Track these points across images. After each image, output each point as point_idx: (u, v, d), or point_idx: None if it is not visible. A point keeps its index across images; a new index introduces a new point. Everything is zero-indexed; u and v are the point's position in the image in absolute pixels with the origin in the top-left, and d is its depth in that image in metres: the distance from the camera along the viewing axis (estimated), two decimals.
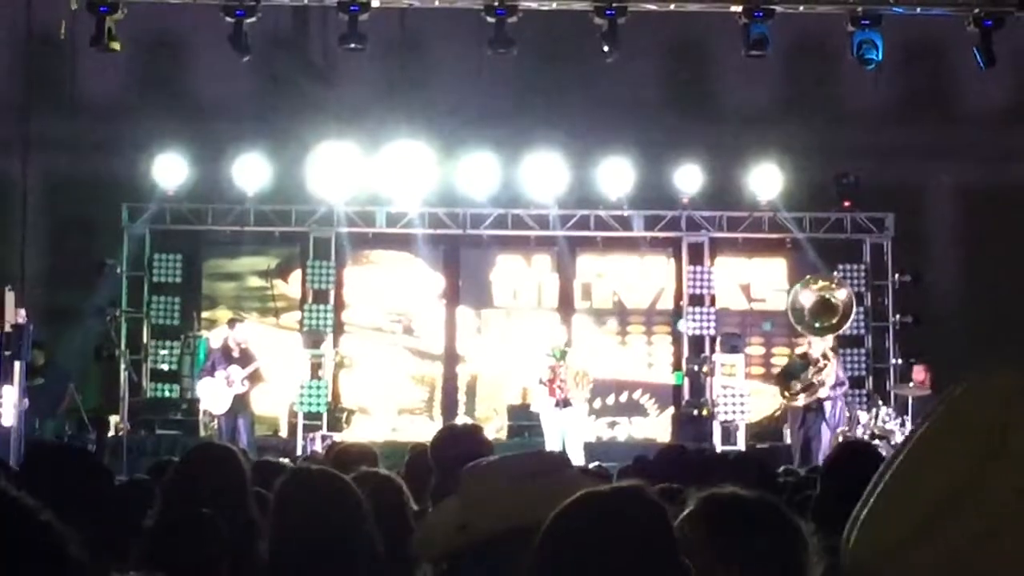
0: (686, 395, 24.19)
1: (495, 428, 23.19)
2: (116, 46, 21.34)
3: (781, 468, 15.01)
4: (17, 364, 21.81)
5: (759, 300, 24.77)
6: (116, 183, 23.51)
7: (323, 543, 4.94)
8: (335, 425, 22.88)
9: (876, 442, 18.74)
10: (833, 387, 21.40)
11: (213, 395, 21.93)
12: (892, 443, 20.35)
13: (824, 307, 22.47)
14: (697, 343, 24.20)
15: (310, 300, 23.98)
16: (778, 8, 21.98)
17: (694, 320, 24.14)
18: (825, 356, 21.36)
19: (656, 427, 24.31)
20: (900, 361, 23.46)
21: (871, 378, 23.80)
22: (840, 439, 20.42)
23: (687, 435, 22.54)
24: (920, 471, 1.80)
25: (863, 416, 21.82)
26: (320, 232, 24.01)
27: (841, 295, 22.57)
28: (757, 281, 24.79)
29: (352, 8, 21.62)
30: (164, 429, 22.48)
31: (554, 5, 22.14)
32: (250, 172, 23.34)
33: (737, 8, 21.97)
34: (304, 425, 22.96)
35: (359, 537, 5.06)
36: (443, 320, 24.60)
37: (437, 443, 8.15)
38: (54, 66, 23.96)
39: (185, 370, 23.57)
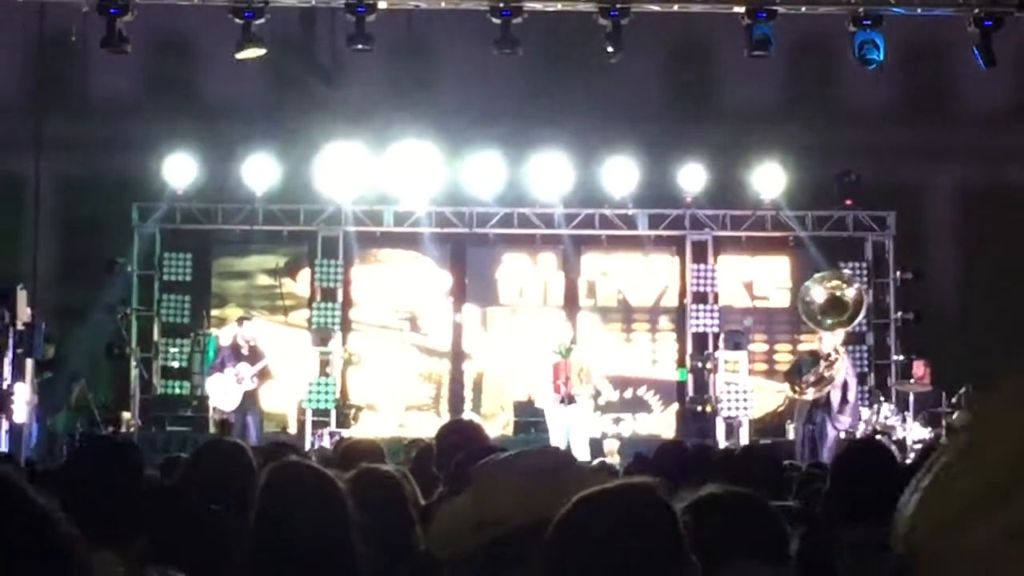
0: (690, 391, 24.18)
1: (501, 424, 23.21)
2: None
3: (785, 463, 15.01)
4: (29, 361, 21.85)
5: (762, 298, 24.75)
6: (127, 183, 23.52)
7: (303, 536, 4.91)
8: (343, 422, 22.88)
9: (878, 437, 18.66)
10: (844, 384, 21.32)
11: (223, 392, 21.94)
12: (894, 438, 20.35)
13: (835, 303, 22.41)
14: (701, 340, 24.18)
15: (318, 298, 23.99)
16: (780, 9, 21.98)
17: (696, 317, 24.13)
18: (836, 351, 21.30)
19: (660, 423, 24.30)
20: (901, 357, 23.45)
21: (873, 374, 23.78)
22: (842, 435, 20.42)
23: (691, 431, 22.55)
24: (967, 460, 1.77)
25: (865, 412, 21.81)
26: (328, 231, 24.00)
27: (852, 292, 22.50)
28: (760, 279, 24.79)
29: (359, 9, 21.63)
30: (174, 426, 22.48)
31: (559, 6, 22.13)
32: (259, 172, 23.35)
33: (740, 9, 21.97)
34: (313, 422, 22.98)
35: (339, 531, 5.02)
36: (450, 318, 24.59)
37: (439, 439, 8.16)
38: (66, 67, 23.98)
39: (195, 367, 23.56)
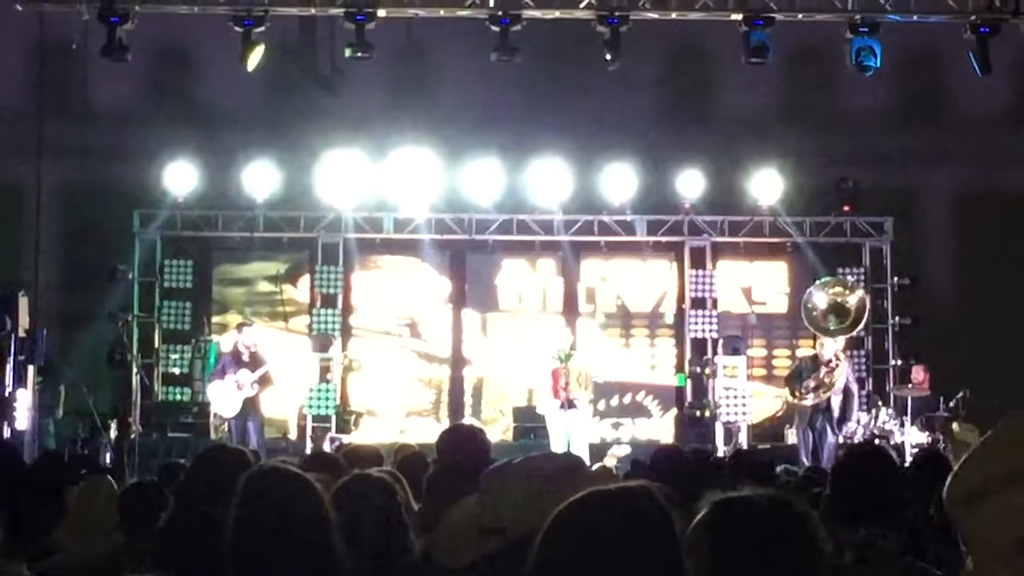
0: (689, 396, 24.19)
1: (501, 429, 23.21)
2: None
3: (780, 467, 15.01)
4: (31, 368, 21.87)
5: (760, 303, 24.75)
6: (128, 190, 23.53)
7: (280, 537, 4.92)
8: (344, 427, 22.89)
9: (877, 441, 18.68)
10: (846, 390, 21.35)
11: (223, 398, 21.91)
12: (893, 443, 20.36)
13: (837, 309, 22.43)
14: (700, 345, 24.19)
15: (319, 304, 23.99)
16: (778, 16, 21.99)
17: (695, 323, 24.14)
18: (837, 357, 21.33)
19: (659, 428, 24.31)
20: (899, 362, 23.47)
21: (871, 379, 23.78)
22: (842, 439, 20.45)
23: (690, 436, 22.57)
24: (995, 446, 1.86)
25: (863, 417, 21.84)
26: (328, 238, 24.02)
27: (854, 299, 22.52)
28: (758, 285, 24.79)
29: (359, 17, 21.64)
30: (175, 432, 22.47)
31: (557, 14, 22.13)
32: (259, 179, 23.36)
33: (737, 16, 21.98)
34: (313, 427, 22.98)
35: (319, 532, 5.03)
36: (450, 324, 24.59)
37: (440, 443, 8.16)
38: (66, 75, 24.00)
39: (196, 374, 23.58)
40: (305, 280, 24.50)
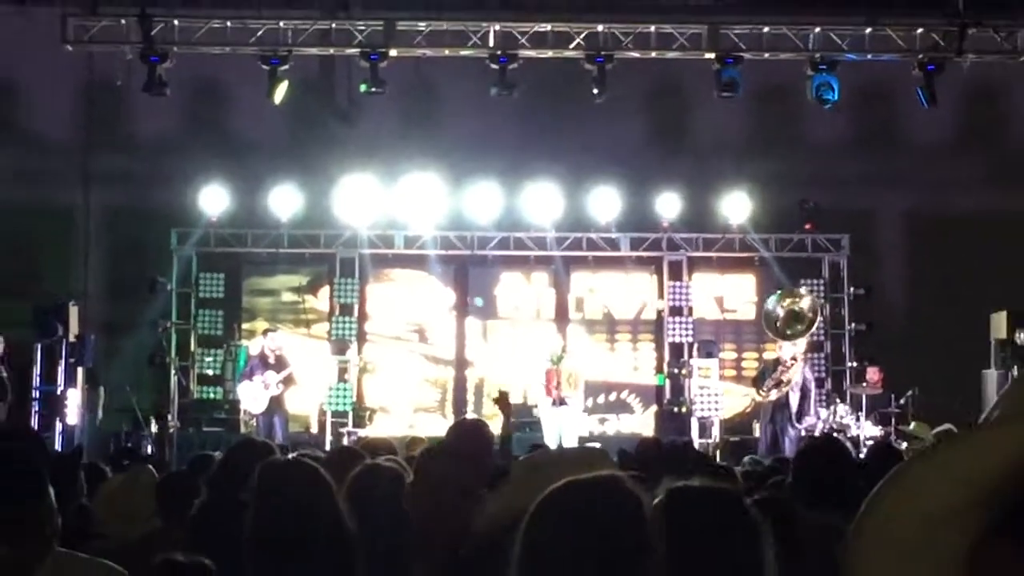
0: (667, 394, 24.16)
1: (499, 425, 23.12)
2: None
3: (747, 458, 15.00)
4: (80, 370, 21.89)
5: (731, 311, 24.73)
6: (166, 211, 23.51)
7: (294, 522, 4.91)
8: (359, 422, 22.86)
9: (835, 435, 18.66)
10: (803, 388, 21.43)
11: (252, 397, 21.92)
12: (849, 436, 20.37)
13: (794, 316, 22.49)
14: (677, 349, 24.17)
15: (337, 313, 23.96)
16: (746, 55, 22.09)
17: (673, 328, 24.12)
18: (794, 358, 21.45)
19: (641, 423, 24.26)
20: (855, 364, 23.41)
21: (830, 379, 23.74)
22: (803, 434, 20.45)
23: (668, 430, 22.52)
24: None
25: (823, 412, 21.85)
26: (346, 253, 23.99)
27: (806, 304, 22.56)
28: (730, 294, 24.75)
29: (372, 57, 21.74)
30: (209, 427, 22.47)
31: (550, 53, 22.20)
32: (284, 201, 23.33)
33: (710, 55, 22.08)
34: (332, 423, 22.96)
35: (326, 517, 5.02)
36: (454, 330, 24.57)
37: (450, 435, 8.16)
38: (112, 109, 24.01)
39: (227, 375, 23.54)
40: (325, 291, 24.46)
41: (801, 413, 21.21)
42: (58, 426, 21.36)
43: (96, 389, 22.53)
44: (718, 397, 23.16)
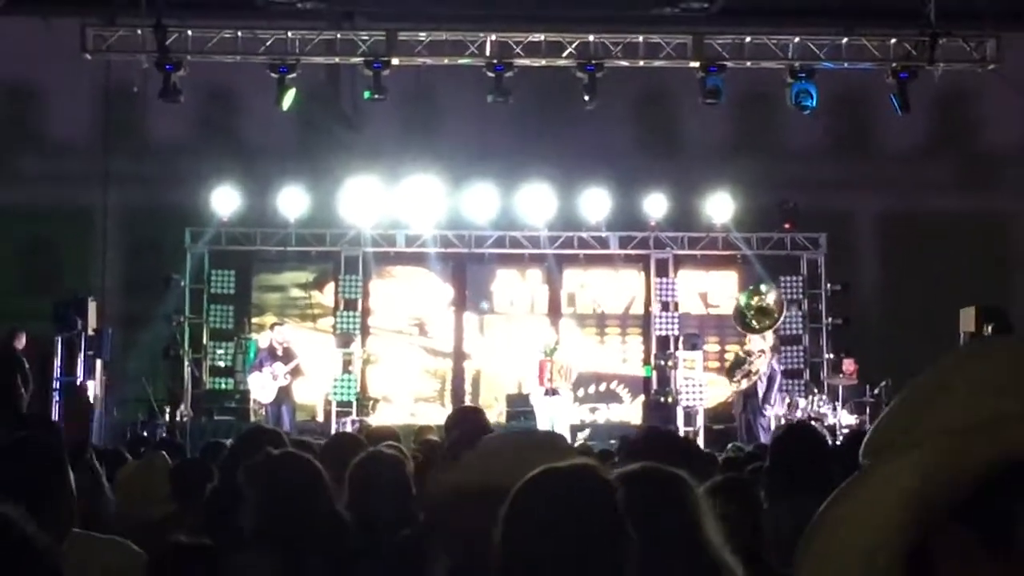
0: (654, 385, 24.18)
1: (496, 413, 23.13)
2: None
3: (730, 445, 15.02)
4: (99, 362, 21.89)
5: (714, 306, 24.73)
6: (180, 211, 23.51)
7: (292, 512, 4.92)
8: (363, 411, 22.87)
9: (812, 423, 18.68)
10: (770, 378, 21.62)
11: (261, 387, 21.93)
12: (826, 424, 20.42)
13: (761, 312, 22.62)
14: (663, 341, 24.19)
15: (342, 308, 23.95)
16: (729, 64, 22.10)
17: (659, 322, 24.14)
18: (762, 351, 21.66)
19: (629, 412, 24.27)
20: (832, 356, 23.44)
21: (808, 370, 23.75)
22: (782, 421, 20.50)
23: (655, 419, 22.52)
24: (917, 394, 1.81)
25: (801, 402, 21.91)
26: (350, 251, 23.99)
27: (771, 299, 22.70)
28: (713, 290, 24.76)
29: (375, 65, 21.75)
30: (220, 415, 22.46)
31: (543, 62, 22.21)
32: (291, 202, 23.33)
33: (695, 64, 22.11)
34: (337, 412, 22.96)
35: (321, 507, 5.02)
36: (452, 324, 24.57)
37: (449, 421, 8.17)
38: (129, 115, 24.00)
39: (238, 366, 23.54)
40: (330, 287, 24.46)
41: (766, 401, 21.42)
42: None
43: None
44: (702, 387, 23.16)
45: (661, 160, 24.40)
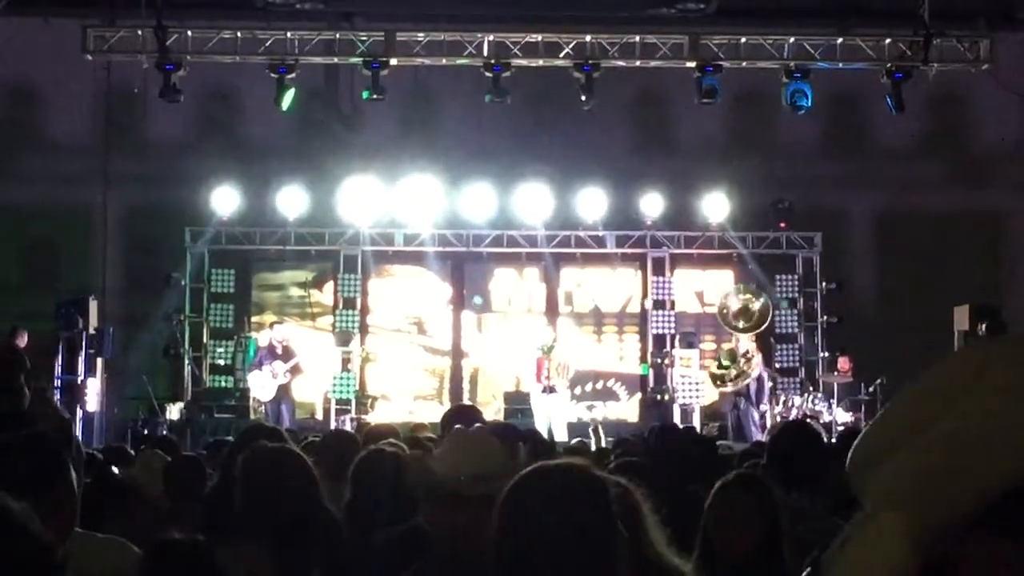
0: (651, 383, 24.18)
1: (494, 411, 23.13)
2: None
3: (719, 443, 15.05)
4: (99, 360, 21.88)
5: (710, 305, 24.71)
6: (180, 210, 23.50)
7: (279, 506, 4.90)
8: (362, 409, 22.87)
9: (808, 420, 18.72)
10: (759, 378, 21.76)
11: (261, 385, 21.93)
12: (821, 421, 20.44)
13: (742, 312, 22.75)
14: (660, 340, 24.19)
15: (341, 306, 23.95)
16: (725, 64, 22.08)
17: (656, 321, 24.16)
18: (748, 352, 21.86)
19: (626, 410, 24.30)
20: (827, 354, 23.44)
21: (803, 368, 23.76)
22: (778, 419, 20.54)
23: (652, 416, 22.57)
24: (902, 408, 1.80)
25: (797, 399, 21.97)
26: (349, 250, 23.99)
27: (758, 305, 22.82)
28: (709, 289, 24.74)
29: (374, 66, 21.73)
30: (220, 413, 22.43)
31: (540, 62, 22.20)
32: (291, 201, 23.34)
33: (691, 64, 22.08)
34: (336, 409, 22.96)
35: (311, 501, 5.02)
36: (450, 322, 24.58)
37: (445, 419, 8.17)
38: (129, 115, 24.00)
39: (238, 365, 23.53)
40: (329, 286, 24.46)
41: (759, 401, 21.57)
42: (79, 413, 21.33)
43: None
44: (698, 386, 23.17)
45: (657, 160, 24.41)
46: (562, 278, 24.67)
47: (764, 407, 21.78)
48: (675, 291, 24.34)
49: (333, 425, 21.82)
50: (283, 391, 21.87)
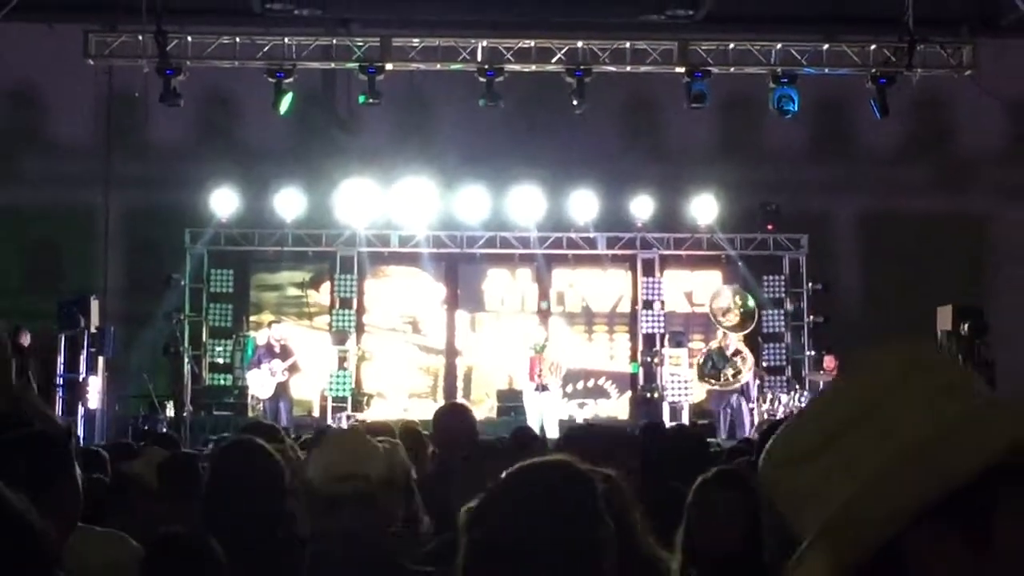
0: (641, 381, 24.20)
1: (487, 408, 23.18)
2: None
3: (710, 439, 15.06)
4: (101, 359, 21.88)
5: (699, 305, 24.73)
6: (180, 212, 23.49)
7: (246, 503, 4.87)
8: (358, 407, 22.88)
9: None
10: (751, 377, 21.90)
11: (259, 383, 21.94)
12: None
13: (728, 312, 22.90)
14: (650, 339, 24.21)
15: (337, 306, 23.95)
16: (714, 69, 22.13)
17: (646, 321, 24.17)
18: (739, 352, 21.96)
19: (617, 407, 24.31)
20: (813, 353, 23.49)
21: (790, 367, 23.80)
22: (765, 416, 20.59)
23: (641, 414, 22.58)
24: (822, 411, 1.81)
25: (784, 398, 22.01)
26: (345, 251, 23.98)
27: (742, 310, 22.94)
28: (698, 289, 24.77)
29: (370, 70, 21.76)
30: (219, 411, 22.44)
31: (533, 67, 22.23)
32: (288, 203, 23.32)
33: (681, 69, 22.13)
34: (333, 407, 22.96)
35: (278, 499, 4.97)
36: (444, 322, 24.58)
37: (436, 418, 8.19)
38: (130, 118, 23.98)
39: (236, 363, 23.52)
40: (326, 286, 24.46)
41: (749, 399, 21.67)
42: (80, 411, 21.34)
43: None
44: (687, 384, 23.21)
45: (647, 163, 24.42)
46: (554, 278, 24.68)
47: (753, 405, 21.86)
48: (664, 291, 24.35)
49: (330, 422, 21.83)
50: (281, 389, 21.88)
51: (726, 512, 5.06)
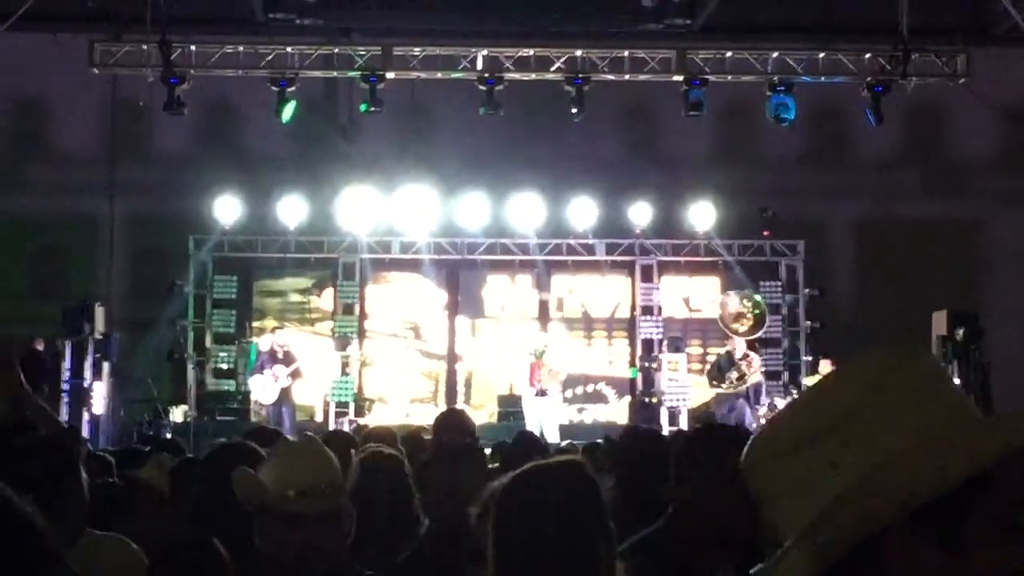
0: (640, 386, 24.18)
1: (488, 413, 23.17)
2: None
3: None
4: (106, 364, 21.85)
5: (697, 310, 24.74)
6: (184, 219, 23.48)
7: (237, 506, 4.83)
8: (360, 412, 22.86)
9: None
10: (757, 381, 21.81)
11: (262, 389, 21.91)
12: None
13: (740, 317, 22.79)
14: (648, 344, 24.19)
15: (340, 312, 23.95)
16: (711, 78, 22.11)
17: (644, 326, 24.16)
18: (747, 355, 21.81)
19: (615, 412, 24.28)
20: (810, 358, 23.47)
21: (787, 372, 23.79)
22: (763, 421, 20.55)
23: (640, 419, 22.51)
24: (802, 412, 1.82)
25: (780, 403, 21.90)
26: (347, 258, 23.97)
27: (757, 311, 22.88)
28: (696, 295, 24.77)
29: (371, 79, 21.73)
30: (223, 416, 22.40)
31: (533, 76, 22.21)
32: (291, 210, 23.32)
33: (679, 78, 22.11)
34: (335, 412, 22.94)
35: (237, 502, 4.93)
36: (446, 327, 24.57)
37: (435, 423, 8.17)
38: (134, 126, 23.98)
39: (240, 369, 23.52)
40: (328, 292, 24.45)
41: (756, 402, 21.61)
42: (85, 416, 21.31)
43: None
44: (685, 389, 23.20)
45: (646, 170, 24.40)
46: (553, 284, 24.67)
47: (759, 408, 21.71)
48: (663, 297, 24.34)
49: (332, 427, 21.80)
50: (284, 394, 21.85)
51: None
